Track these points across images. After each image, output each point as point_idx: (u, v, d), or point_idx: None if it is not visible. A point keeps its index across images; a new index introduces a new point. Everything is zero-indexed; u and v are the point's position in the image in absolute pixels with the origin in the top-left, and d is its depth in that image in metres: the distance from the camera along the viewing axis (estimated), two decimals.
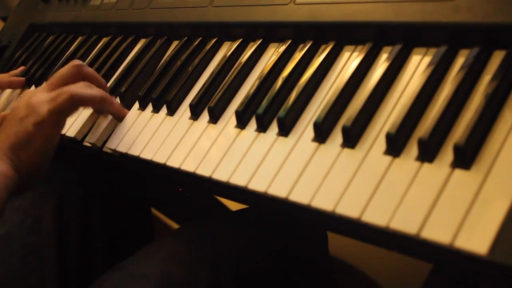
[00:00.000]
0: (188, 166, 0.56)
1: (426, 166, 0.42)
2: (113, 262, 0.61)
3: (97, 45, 0.85)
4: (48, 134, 0.59)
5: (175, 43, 0.74)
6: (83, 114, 0.71)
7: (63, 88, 0.60)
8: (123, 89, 0.70)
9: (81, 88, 0.60)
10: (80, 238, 0.74)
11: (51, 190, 0.75)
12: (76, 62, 0.65)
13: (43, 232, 0.71)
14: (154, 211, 1.07)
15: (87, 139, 0.69)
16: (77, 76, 0.63)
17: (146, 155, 0.61)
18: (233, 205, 1.11)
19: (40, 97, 0.60)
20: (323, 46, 0.58)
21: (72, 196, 0.75)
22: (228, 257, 0.59)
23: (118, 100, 0.70)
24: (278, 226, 0.65)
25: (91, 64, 0.80)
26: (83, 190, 0.77)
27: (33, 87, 0.86)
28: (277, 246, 0.64)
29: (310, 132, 0.51)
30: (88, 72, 0.65)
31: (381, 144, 0.46)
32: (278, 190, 0.48)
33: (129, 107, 0.69)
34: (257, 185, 0.49)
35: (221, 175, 0.52)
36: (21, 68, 0.92)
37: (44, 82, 0.68)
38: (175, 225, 1.20)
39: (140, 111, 0.67)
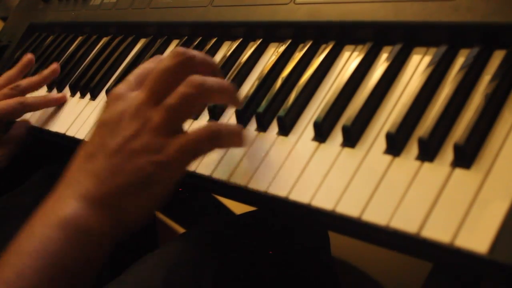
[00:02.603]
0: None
1: (426, 165, 0.42)
2: (118, 267, 0.60)
3: (97, 45, 0.85)
4: (174, 177, 0.45)
5: (175, 43, 0.74)
6: None
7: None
8: None
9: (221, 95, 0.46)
10: None
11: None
12: (180, 51, 0.47)
13: None
14: (157, 213, 1.07)
15: None
16: (186, 71, 0.47)
17: None
18: (233, 205, 1.11)
19: (154, 118, 0.44)
20: (323, 46, 0.58)
21: None
22: (232, 263, 0.58)
23: None
24: (281, 228, 0.65)
25: (91, 64, 0.80)
26: None
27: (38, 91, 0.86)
28: (280, 248, 0.64)
29: (310, 132, 0.51)
30: (199, 61, 0.47)
31: (381, 144, 0.46)
32: (278, 189, 0.48)
33: None
34: (257, 184, 0.49)
35: (220, 175, 0.52)
36: (54, 67, 0.80)
37: (133, 79, 0.49)
38: (176, 226, 1.20)
39: None
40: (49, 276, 0.40)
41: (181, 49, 0.47)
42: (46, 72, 0.81)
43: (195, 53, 0.47)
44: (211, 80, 0.46)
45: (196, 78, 0.45)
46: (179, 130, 0.47)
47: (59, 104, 0.78)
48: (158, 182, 0.44)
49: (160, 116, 0.45)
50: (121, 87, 0.48)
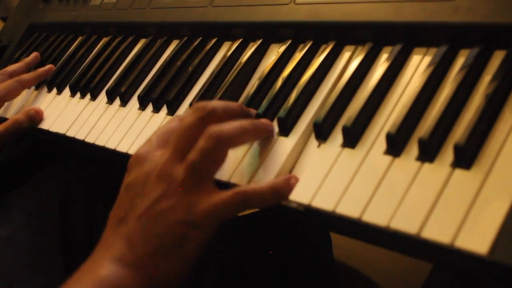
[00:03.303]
0: None
1: (427, 166, 0.42)
2: None
3: (97, 45, 0.85)
4: (205, 238, 0.45)
5: (175, 43, 0.74)
6: None
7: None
8: (123, 89, 0.70)
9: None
10: (85, 238, 0.73)
11: (54, 190, 0.75)
12: (201, 106, 0.47)
13: (48, 232, 0.70)
14: None
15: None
16: (208, 124, 0.46)
17: None
18: None
19: (179, 177, 0.44)
20: (323, 46, 0.58)
21: (76, 196, 0.75)
22: (233, 263, 0.58)
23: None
24: (283, 228, 0.65)
25: (91, 64, 0.80)
26: (85, 189, 0.77)
27: (38, 91, 0.86)
28: (281, 248, 0.64)
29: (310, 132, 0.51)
30: (220, 112, 0.47)
31: (382, 144, 0.46)
32: None
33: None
34: (258, 185, 0.49)
35: (221, 176, 0.52)
36: (34, 55, 0.88)
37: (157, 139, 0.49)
38: None
39: (140, 111, 0.67)
40: None
41: (202, 103, 0.47)
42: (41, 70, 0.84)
43: (216, 104, 0.48)
44: (228, 127, 0.46)
45: (213, 129, 0.45)
46: (209, 180, 0.46)
47: (48, 75, 0.84)
48: (190, 241, 0.44)
49: (185, 174, 0.45)
50: (144, 148, 0.48)
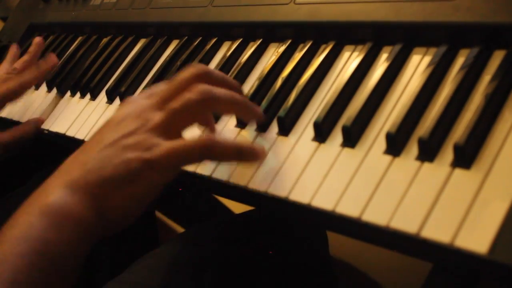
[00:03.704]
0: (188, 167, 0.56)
1: (426, 165, 0.42)
2: (118, 266, 0.60)
3: (97, 45, 0.85)
4: (159, 179, 0.44)
5: (175, 43, 0.74)
6: None
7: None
8: (123, 89, 0.70)
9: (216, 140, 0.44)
10: None
11: None
12: (200, 65, 0.48)
13: None
14: (157, 213, 1.07)
15: None
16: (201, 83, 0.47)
17: None
18: (233, 205, 1.11)
19: (154, 119, 0.45)
20: (323, 46, 0.58)
21: None
22: (231, 263, 0.58)
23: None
24: (280, 227, 0.65)
25: (91, 64, 0.80)
26: None
27: (38, 91, 0.86)
28: (279, 247, 0.64)
29: (310, 132, 0.51)
30: (216, 76, 0.48)
31: (381, 144, 0.46)
32: (278, 189, 0.48)
33: None
34: (257, 184, 0.49)
35: (220, 175, 0.52)
36: (38, 40, 0.85)
37: (155, 87, 0.51)
38: (176, 226, 1.20)
39: None
40: (32, 262, 0.40)
41: (201, 64, 0.48)
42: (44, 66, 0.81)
43: (214, 70, 0.48)
44: (220, 91, 0.46)
45: (204, 86, 0.46)
46: (177, 136, 0.47)
47: (52, 69, 0.81)
48: (143, 180, 0.43)
49: (160, 117, 0.45)
50: (136, 96, 0.50)
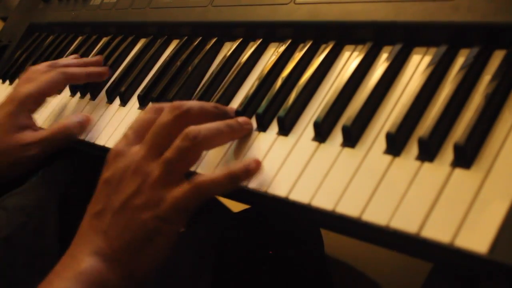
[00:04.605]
0: None
1: (426, 165, 0.42)
2: None
3: (97, 45, 0.85)
4: (174, 228, 0.47)
5: (175, 43, 0.74)
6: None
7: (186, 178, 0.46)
8: (123, 89, 0.70)
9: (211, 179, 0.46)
10: None
11: (53, 191, 0.74)
12: (176, 105, 0.49)
13: (47, 234, 0.70)
14: None
15: None
16: (184, 124, 0.49)
17: None
18: (233, 204, 1.11)
19: (153, 173, 0.46)
20: (323, 46, 0.58)
21: (75, 196, 0.75)
22: (230, 262, 0.58)
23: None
24: (276, 228, 0.65)
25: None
26: (85, 189, 0.76)
27: None
28: (274, 248, 0.64)
29: (310, 132, 0.51)
30: (195, 112, 0.50)
31: (381, 144, 0.46)
32: (278, 189, 0.48)
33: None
34: (257, 184, 0.49)
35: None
36: (97, 58, 0.75)
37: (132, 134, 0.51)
38: None
39: (140, 110, 0.67)
40: None
41: (178, 103, 0.50)
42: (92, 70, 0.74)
43: (192, 104, 0.50)
44: (205, 129, 0.48)
45: (190, 130, 0.48)
46: (180, 179, 0.48)
47: (101, 79, 0.74)
48: (161, 235, 0.46)
49: (159, 170, 0.47)
50: (121, 143, 0.50)
